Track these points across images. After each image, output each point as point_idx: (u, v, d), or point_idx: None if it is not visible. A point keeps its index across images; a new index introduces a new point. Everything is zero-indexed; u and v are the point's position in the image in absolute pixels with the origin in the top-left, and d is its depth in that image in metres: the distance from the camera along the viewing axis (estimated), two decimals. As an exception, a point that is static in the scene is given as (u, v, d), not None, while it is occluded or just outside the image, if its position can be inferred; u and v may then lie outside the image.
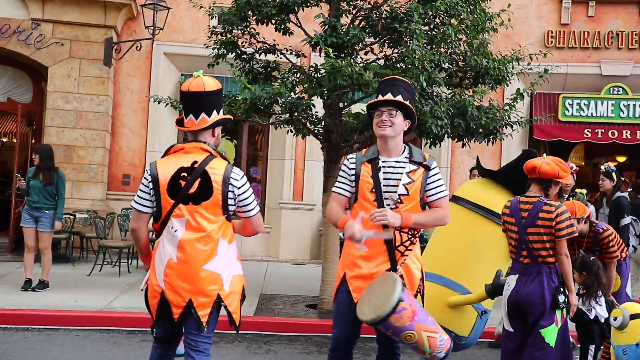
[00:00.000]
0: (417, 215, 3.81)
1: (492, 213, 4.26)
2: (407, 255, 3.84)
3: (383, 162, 3.91)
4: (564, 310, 4.46)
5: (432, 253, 4.29)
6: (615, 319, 4.59)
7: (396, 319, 3.63)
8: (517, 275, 4.54)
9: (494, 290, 4.38)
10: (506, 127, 8.29)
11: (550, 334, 4.39)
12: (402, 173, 3.87)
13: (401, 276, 3.78)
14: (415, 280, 3.88)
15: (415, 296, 3.85)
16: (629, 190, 8.37)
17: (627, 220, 7.10)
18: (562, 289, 4.40)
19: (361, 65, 7.53)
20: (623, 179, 8.59)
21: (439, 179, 3.92)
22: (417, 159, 3.91)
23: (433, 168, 3.92)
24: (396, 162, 3.90)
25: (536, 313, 4.41)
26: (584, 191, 7.47)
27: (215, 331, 6.70)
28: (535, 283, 4.42)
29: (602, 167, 7.83)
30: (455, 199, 4.43)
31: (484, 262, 4.30)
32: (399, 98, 3.89)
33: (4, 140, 17.92)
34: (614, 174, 7.56)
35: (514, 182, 4.37)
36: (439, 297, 4.15)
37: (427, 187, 3.87)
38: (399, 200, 3.83)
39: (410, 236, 3.85)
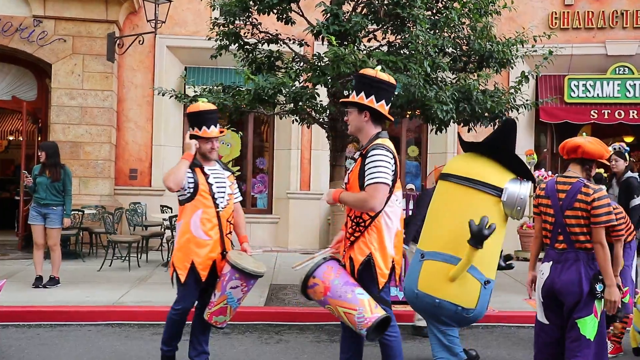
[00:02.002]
0: (345, 194, 4.17)
1: (481, 184, 4.19)
2: (351, 241, 4.16)
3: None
4: (602, 301, 4.18)
5: (432, 233, 4.29)
6: None
7: (311, 293, 4.20)
8: (551, 263, 4.26)
9: (474, 237, 4.14)
10: (512, 111, 8.24)
11: (587, 326, 4.11)
12: (352, 163, 4.27)
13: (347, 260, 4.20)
14: (355, 264, 4.14)
15: (359, 279, 4.14)
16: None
17: (637, 200, 7.03)
18: (601, 277, 4.11)
19: (364, 52, 7.49)
20: (632, 159, 8.54)
21: (373, 166, 4.03)
22: (362, 148, 4.20)
23: (369, 156, 4.07)
24: (361, 155, 4.21)
25: (571, 302, 4.15)
26: (601, 170, 7.42)
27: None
28: (572, 270, 4.15)
29: (612, 148, 7.75)
30: (444, 176, 4.39)
31: (449, 222, 4.30)
32: (352, 96, 4.23)
33: (10, 138, 17.97)
34: (626, 154, 7.51)
35: (501, 151, 4.29)
36: (439, 273, 4.14)
37: (364, 173, 4.07)
38: (344, 187, 4.27)
39: (354, 224, 4.15)
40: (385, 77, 4.25)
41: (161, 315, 7.05)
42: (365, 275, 4.14)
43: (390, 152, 4.11)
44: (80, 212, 10.80)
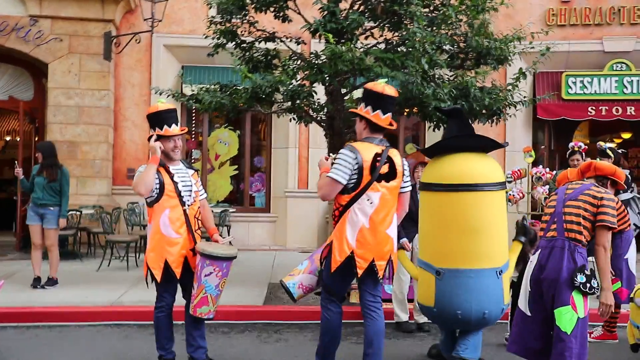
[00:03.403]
0: (322, 176, 4.71)
1: (499, 184, 4.23)
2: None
3: None
4: (588, 299, 4.15)
5: (494, 248, 4.19)
6: None
7: None
8: (539, 251, 4.32)
9: (521, 230, 4.39)
10: (509, 107, 8.24)
11: (562, 317, 4.08)
12: None
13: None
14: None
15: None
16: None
17: (625, 195, 7.09)
18: (585, 272, 4.09)
19: (362, 50, 7.48)
20: (621, 150, 8.54)
21: (335, 162, 4.62)
22: None
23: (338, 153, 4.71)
24: None
25: (551, 291, 4.15)
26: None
27: (225, 321, 6.68)
28: (556, 258, 4.17)
29: (598, 147, 7.85)
30: (449, 187, 4.30)
31: (504, 232, 4.29)
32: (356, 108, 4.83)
33: (8, 138, 17.93)
34: (608, 151, 7.56)
35: (467, 136, 4.35)
36: (508, 281, 4.24)
37: None
38: None
39: (333, 215, 4.75)
40: (380, 88, 4.67)
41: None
42: (326, 258, 4.70)
43: (354, 152, 4.54)
44: (78, 212, 10.78)
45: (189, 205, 5.11)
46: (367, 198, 4.56)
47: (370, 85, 4.75)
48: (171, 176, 5.08)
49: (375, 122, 4.63)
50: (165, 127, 5.10)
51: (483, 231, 4.17)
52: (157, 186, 5.01)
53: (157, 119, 5.12)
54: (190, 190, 5.15)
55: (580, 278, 4.07)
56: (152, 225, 5.10)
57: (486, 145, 4.34)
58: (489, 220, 4.17)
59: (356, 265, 4.58)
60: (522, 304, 4.37)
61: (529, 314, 4.31)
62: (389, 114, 4.69)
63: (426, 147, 4.74)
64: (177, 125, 5.17)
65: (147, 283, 5.21)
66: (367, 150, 4.59)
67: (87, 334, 6.58)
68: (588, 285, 4.09)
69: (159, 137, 5.10)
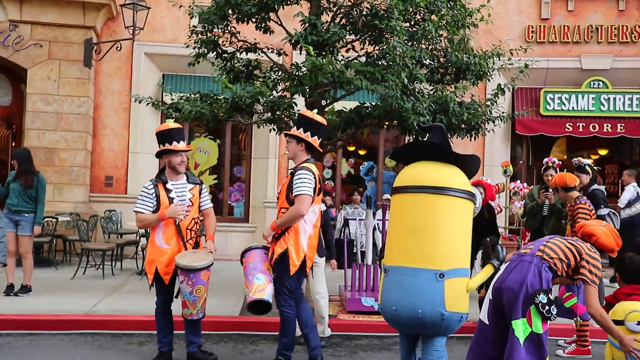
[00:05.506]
0: (279, 220, 5.31)
1: (465, 192, 4.26)
2: (276, 238, 5.35)
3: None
4: (549, 318, 4.14)
5: (441, 249, 4.16)
6: (638, 322, 4.38)
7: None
8: (507, 263, 4.38)
9: (495, 255, 4.43)
10: (488, 123, 8.32)
11: (518, 327, 4.10)
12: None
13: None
14: (275, 255, 5.36)
15: (275, 267, 5.38)
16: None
17: (603, 211, 7.18)
18: (549, 295, 4.10)
19: (342, 63, 7.53)
20: (597, 168, 8.68)
21: (299, 183, 5.22)
22: (291, 170, 5.45)
23: (296, 174, 5.29)
24: (291, 174, 5.44)
25: (510, 305, 4.16)
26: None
27: (201, 332, 6.63)
28: (521, 271, 4.21)
29: (573, 163, 7.94)
30: (411, 189, 4.32)
31: (456, 238, 4.30)
32: (293, 130, 5.44)
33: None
34: (587, 168, 7.66)
35: (442, 147, 4.40)
36: (462, 289, 4.19)
37: (292, 187, 5.27)
38: (277, 198, 5.56)
39: None
40: (320, 118, 5.48)
41: (135, 324, 7.02)
42: (280, 264, 5.31)
43: (312, 173, 5.27)
44: (54, 219, 10.67)
45: (182, 219, 5.59)
46: (312, 210, 5.34)
47: (309, 114, 5.45)
48: (168, 192, 5.60)
49: (314, 146, 5.38)
50: (174, 142, 5.62)
51: (424, 232, 4.21)
52: (155, 201, 5.57)
53: (167, 136, 5.63)
54: (185, 205, 5.61)
55: (542, 298, 4.08)
56: (150, 236, 5.70)
57: (439, 153, 4.37)
58: (433, 222, 4.20)
59: (307, 265, 5.38)
60: (483, 312, 4.42)
61: (487, 322, 4.36)
62: (321, 139, 5.51)
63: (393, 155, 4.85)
64: (184, 142, 5.72)
65: (149, 287, 5.79)
66: (315, 169, 5.38)
67: (59, 343, 6.50)
68: (547, 308, 4.09)
69: (168, 152, 5.62)
